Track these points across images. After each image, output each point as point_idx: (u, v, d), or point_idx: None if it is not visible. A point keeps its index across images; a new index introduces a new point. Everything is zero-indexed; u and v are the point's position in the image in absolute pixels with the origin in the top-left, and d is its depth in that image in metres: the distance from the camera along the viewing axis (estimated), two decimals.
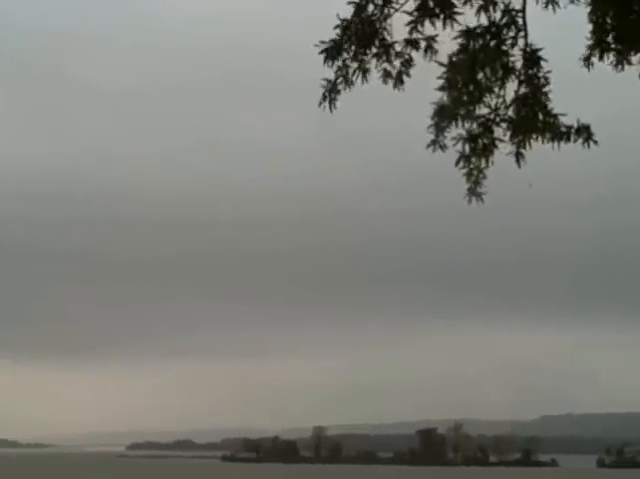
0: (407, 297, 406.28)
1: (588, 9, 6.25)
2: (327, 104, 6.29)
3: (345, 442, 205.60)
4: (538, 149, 6.42)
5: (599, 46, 6.23)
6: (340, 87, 6.26)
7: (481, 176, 6.50)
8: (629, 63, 6.22)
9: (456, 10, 5.99)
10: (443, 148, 6.44)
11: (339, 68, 6.18)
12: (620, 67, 6.23)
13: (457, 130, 6.40)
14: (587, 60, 6.31)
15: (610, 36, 6.17)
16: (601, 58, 6.26)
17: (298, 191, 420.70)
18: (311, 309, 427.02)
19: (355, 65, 6.24)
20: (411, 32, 6.14)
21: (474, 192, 6.53)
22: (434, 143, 6.45)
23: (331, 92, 6.25)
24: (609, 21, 6.15)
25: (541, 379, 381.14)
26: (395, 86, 6.27)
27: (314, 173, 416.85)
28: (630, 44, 6.13)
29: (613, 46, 6.17)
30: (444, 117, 6.35)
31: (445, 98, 6.34)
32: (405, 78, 6.32)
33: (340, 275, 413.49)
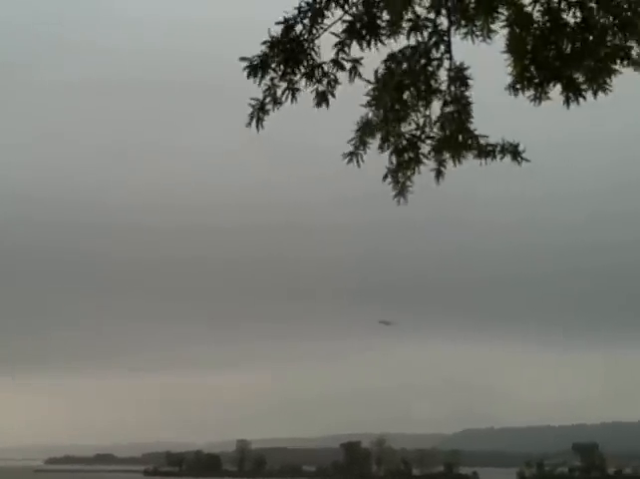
0: (336, 312, 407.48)
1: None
2: (254, 123, 6.29)
3: (269, 456, 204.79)
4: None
5: (520, 77, 6.40)
6: (269, 107, 6.27)
7: (408, 182, 6.65)
8: (547, 97, 6.41)
9: (382, 32, 6.11)
10: (359, 160, 6.53)
11: (268, 87, 6.19)
12: (538, 102, 6.42)
13: (381, 143, 6.56)
14: (513, 88, 6.48)
15: (531, 69, 6.36)
16: (523, 90, 6.43)
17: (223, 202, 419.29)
18: (235, 324, 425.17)
19: (284, 84, 6.27)
20: (337, 53, 6.22)
21: (401, 194, 6.71)
22: (351, 154, 6.53)
23: (260, 111, 6.25)
24: (528, 55, 6.32)
25: (464, 394, 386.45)
26: (318, 105, 6.33)
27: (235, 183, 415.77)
28: (548, 75, 6.32)
29: (534, 77, 6.35)
30: (367, 131, 6.47)
31: (370, 114, 6.46)
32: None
33: (267, 289, 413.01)
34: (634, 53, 6.18)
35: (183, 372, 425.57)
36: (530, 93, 6.39)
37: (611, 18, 6.12)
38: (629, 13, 6.09)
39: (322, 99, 6.28)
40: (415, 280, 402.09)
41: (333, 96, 6.30)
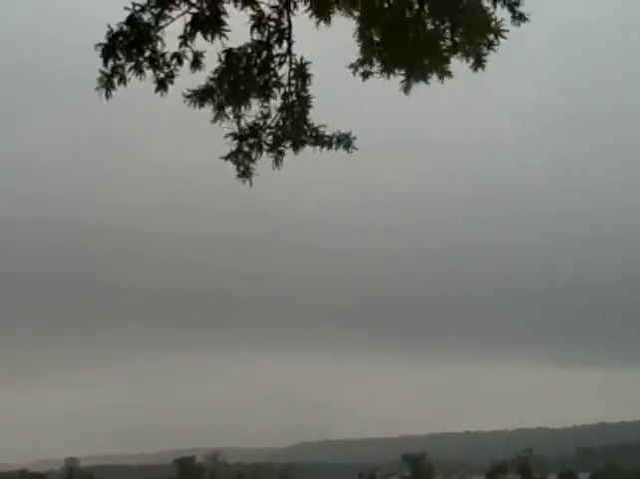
0: (168, 330, 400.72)
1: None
2: (104, 93, 6.40)
3: (99, 474, 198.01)
4: None
5: (368, 61, 6.79)
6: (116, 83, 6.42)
7: (252, 165, 7.04)
8: (394, 74, 6.76)
9: (225, 28, 6.37)
10: (195, 105, 6.80)
11: (114, 67, 6.34)
12: (386, 75, 6.74)
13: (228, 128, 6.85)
14: (356, 68, 6.82)
15: (377, 53, 6.74)
16: (369, 69, 6.78)
17: None
18: (56, 334, 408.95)
19: (130, 64, 6.43)
20: (181, 45, 6.44)
21: (246, 174, 7.05)
22: (190, 99, 6.83)
23: (107, 85, 6.38)
24: (376, 38, 6.69)
25: (300, 407, 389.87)
26: (157, 91, 6.54)
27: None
28: (394, 60, 6.72)
29: (380, 63, 6.74)
30: (208, 96, 6.78)
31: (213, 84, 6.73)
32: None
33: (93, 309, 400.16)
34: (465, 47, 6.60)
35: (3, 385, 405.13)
36: (377, 72, 6.75)
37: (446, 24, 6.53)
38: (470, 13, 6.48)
39: (161, 86, 6.50)
40: (250, 295, 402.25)
41: (172, 83, 6.52)
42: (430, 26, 6.55)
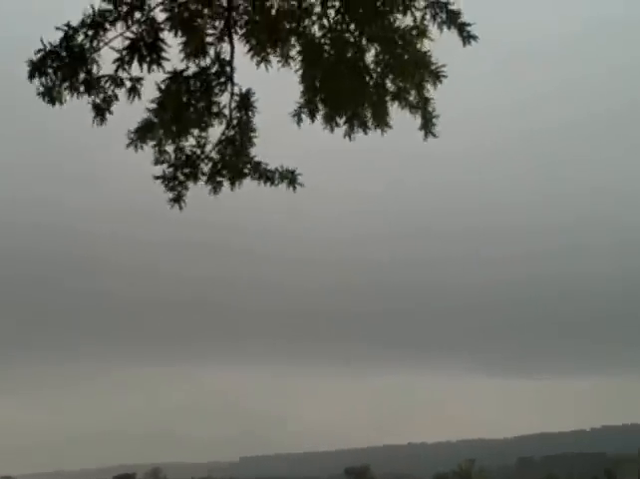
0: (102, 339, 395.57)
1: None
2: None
3: None
4: None
5: (309, 105, 6.62)
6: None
7: (184, 191, 6.78)
8: (337, 124, 6.67)
9: (164, 55, 6.08)
10: (137, 147, 6.57)
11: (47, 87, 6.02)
12: (330, 127, 6.66)
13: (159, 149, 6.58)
14: (298, 116, 6.68)
15: (319, 97, 6.58)
16: (311, 119, 6.66)
17: None
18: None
19: (65, 84, 6.11)
20: (117, 70, 6.13)
21: (177, 201, 6.74)
22: (132, 142, 6.55)
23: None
24: (318, 84, 6.55)
25: (242, 421, 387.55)
26: (94, 121, 6.21)
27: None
28: (337, 108, 6.58)
29: (321, 109, 6.59)
30: (148, 132, 6.45)
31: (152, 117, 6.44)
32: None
33: (35, 318, 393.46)
34: (411, 98, 6.57)
35: None
36: (317, 119, 6.63)
37: (391, 61, 6.44)
38: (406, 57, 6.42)
39: (98, 113, 6.14)
40: (190, 302, 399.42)
41: (110, 112, 6.18)
42: (372, 75, 6.44)
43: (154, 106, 6.29)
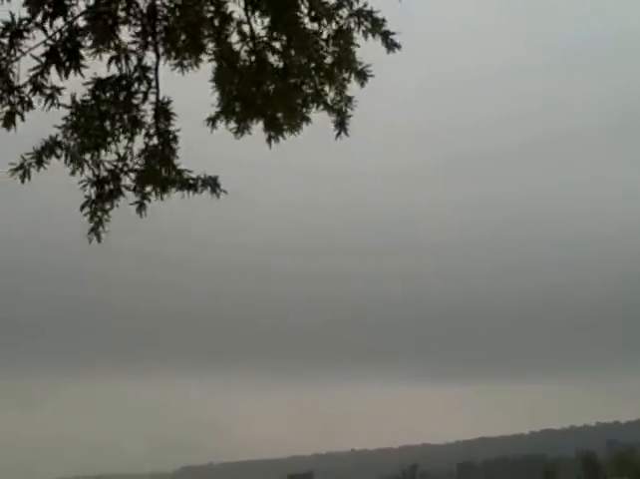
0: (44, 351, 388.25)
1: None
2: None
3: None
4: None
5: (225, 112, 6.56)
6: None
7: (106, 217, 6.41)
8: (249, 132, 6.63)
9: (83, 63, 5.93)
10: (25, 175, 6.20)
11: None
12: (240, 134, 6.62)
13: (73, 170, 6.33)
14: (213, 122, 6.61)
15: (235, 104, 6.53)
16: (227, 123, 6.61)
17: None
18: None
19: None
20: (36, 77, 5.94)
21: (95, 231, 6.45)
22: (21, 169, 6.21)
23: None
24: (234, 91, 6.50)
25: (179, 429, 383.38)
26: (7, 128, 6.01)
27: None
28: (252, 114, 6.54)
29: (237, 114, 6.53)
30: (50, 150, 6.21)
31: (60, 136, 6.21)
32: None
33: None
34: (329, 99, 6.58)
35: None
36: (233, 126, 6.58)
37: (311, 63, 6.43)
38: (328, 59, 6.43)
39: (9, 120, 5.94)
40: (129, 313, 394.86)
41: (22, 119, 5.96)
42: (290, 77, 6.41)
43: (63, 122, 6.05)
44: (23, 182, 6.12)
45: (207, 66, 6.42)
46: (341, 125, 6.68)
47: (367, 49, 6.48)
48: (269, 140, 6.59)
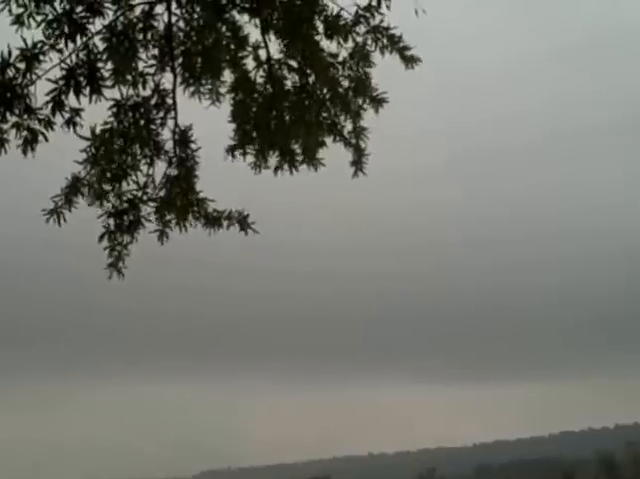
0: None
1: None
2: None
3: None
4: None
5: (242, 142, 6.45)
6: None
7: (125, 251, 6.33)
8: (266, 164, 6.50)
9: (102, 84, 5.83)
10: (60, 218, 6.15)
11: None
12: (258, 169, 6.50)
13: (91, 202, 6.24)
14: (232, 152, 6.49)
15: (252, 134, 6.42)
16: (244, 157, 6.49)
17: None
18: None
19: None
20: (53, 100, 5.85)
21: (115, 266, 6.36)
22: (53, 212, 6.11)
23: None
24: (251, 121, 6.39)
25: (197, 434, 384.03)
26: (24, 152, 5.91)
27: None
28: (269, 143, 6.42)
29: (254, 144, 6.41)
30: (74, 189, 6.13)
31: (82, 172, 6.11)
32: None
33: None
34: (345, 131, 6.47)
35: None
36: (251, 160, 6.46)
37: (327, 93, 6.34)
38: (346, 89, 6.34)
39: (27, 145, 5.84)
40: (146, 317, 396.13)
41: (46, 139, 5.86)
42: (309, 107, 6.30)
43: (83, 156, 5.95)
44: (60, 225, 6.09)
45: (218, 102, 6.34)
46: (358, 163, 6.55)
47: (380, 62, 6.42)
48: (276, 170, 6.47)
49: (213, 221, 6.28)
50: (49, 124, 5.87)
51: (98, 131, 5.89)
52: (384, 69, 6.42)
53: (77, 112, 5.90)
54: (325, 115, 6.27)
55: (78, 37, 5.85)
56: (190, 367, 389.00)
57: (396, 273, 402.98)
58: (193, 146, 6.22)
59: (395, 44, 6.24)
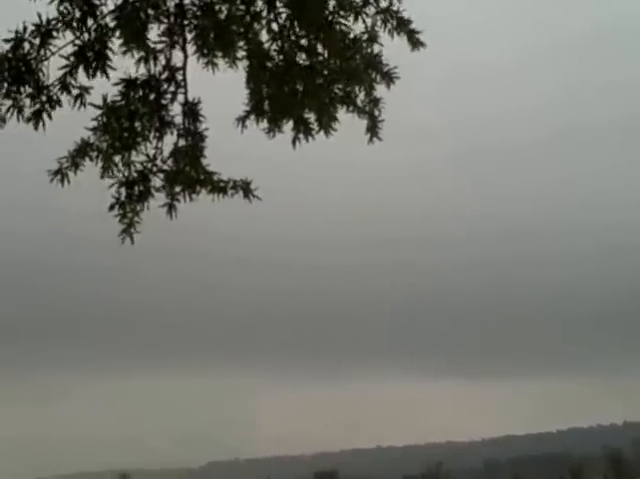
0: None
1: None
2: None
3: None
4: None
5: (255, 110, 6.56)
6: None
7: (136, 219, 6.46)
8: (280, 131, 6.61)
9: (110, 64, 5.98)
10: (64, 179, 6.30)
11: None
12: (272, 134, 6.61)
13: (102, 172, 6.38)
14: (243, 121, 6.60)
15: (265, 103, 6.52)
16: (257, 122, 6.60)
17: None
18: None
19: (8, 102, 5.98)
20: (64, 77, 5.99)
21: (127, 232, 6.50)
22: (57, 172, 6.27)
23: None
24: (264, 89, 6.49)
25: (205, 425, 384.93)
26: (30, 122, 6.06)
27: None
28: (282, 113, 6.52)
29: (268, 113, 6.53)
30: (82, 153, 6.26)
31: (92, 138, 6.25)
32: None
33: None
34: (359, 101, 6.57)
35: None
36: (264, 125, 6.56)
37: (339, 64, 6.44)
38: (357, 61, 6.44)
39: (37, 117, 5.99)
40: (153, 310, 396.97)
41: (50, 117, 6.00)
42: (320, 78, 6.41)
43: (94, 123, 6.09)
44: (63, 185, 6.23)
45: (234, 66, 6.43)
46: (372, 129, 6.68)
47: (388, 49, 6.52)
48: (294, 141, 6.57)
49: (219, 189, 6.43)
50: (57, 103, 6.01)
51: (109, 100, 6.03)
52: (389, 66, 6.50)
53: (86, 89, 6.05)
54: (339, 86, 6.37)
55: (89, 17, 6.00)
56: (199, 362, 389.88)
57: (402, 268, 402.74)
58: (202, 119, 6.35)
59: (404, 26, 6.33)
